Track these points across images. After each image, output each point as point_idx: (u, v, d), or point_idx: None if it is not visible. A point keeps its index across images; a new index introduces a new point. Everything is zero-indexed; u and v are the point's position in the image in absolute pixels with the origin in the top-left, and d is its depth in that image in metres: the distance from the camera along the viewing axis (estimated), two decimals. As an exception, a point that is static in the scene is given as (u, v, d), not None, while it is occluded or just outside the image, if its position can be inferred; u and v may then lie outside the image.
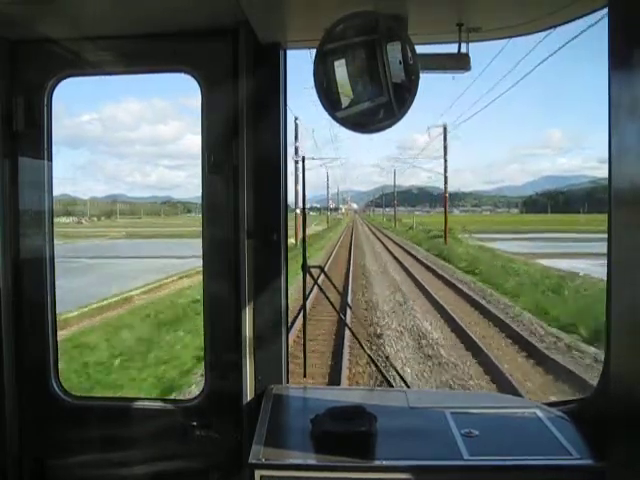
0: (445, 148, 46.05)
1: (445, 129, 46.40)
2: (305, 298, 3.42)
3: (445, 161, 45.67)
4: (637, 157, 1.79)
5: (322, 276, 3.22)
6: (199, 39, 2.91)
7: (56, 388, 3.09)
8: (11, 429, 3.05)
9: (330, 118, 2.54)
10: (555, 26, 2.77)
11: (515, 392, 9.76)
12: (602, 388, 2.51)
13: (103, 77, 3.37)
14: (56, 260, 3.13)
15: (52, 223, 3.10)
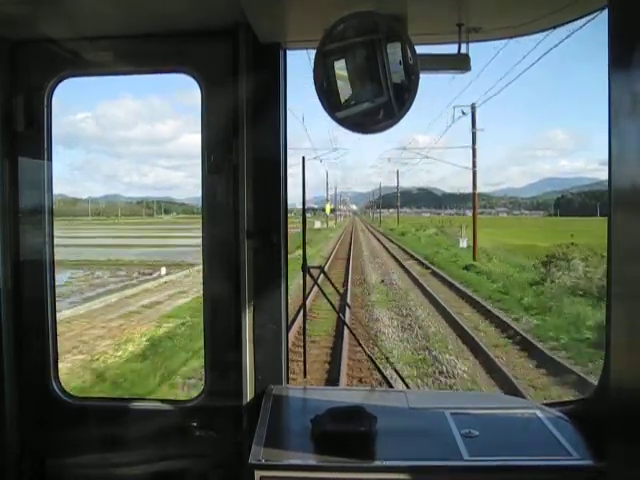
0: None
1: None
2: (305, 298, 3.42)
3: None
4: (637, 157, 1.79)
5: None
6: (199, 39, 2.91)
7: (56, 388, 3.09)
8: (11, 429, 3.05)
9: (330, 119, 2.54)
10: (555, 26, 2.77)
11: (516, 392, 9.75)
12: (602, 388, 2.51)
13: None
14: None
15: (52, 223, 3.10)
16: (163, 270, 27.38)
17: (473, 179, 35.18)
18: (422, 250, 40.01)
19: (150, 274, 27.14)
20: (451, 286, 23.84)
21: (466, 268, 28.31)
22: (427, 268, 30.58)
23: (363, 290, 23.12)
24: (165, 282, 25.31)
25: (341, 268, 29.61)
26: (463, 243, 40.02)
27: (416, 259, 35.32)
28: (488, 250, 35.21)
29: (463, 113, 34.30)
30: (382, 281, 25.40)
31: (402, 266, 31.35)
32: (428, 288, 22.64)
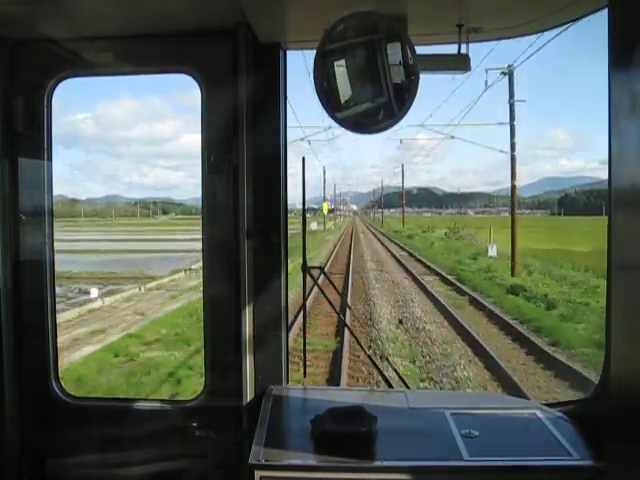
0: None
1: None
2: (305, 298, 3.42)
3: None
4: (637, 157, 1.79)
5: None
6: (199, 39, 2.91)
7: (56, 388, 3.09)
8: (11, 429, 3.05)
9: (330, 118, 2.54)
10: (555, 26, 2.77)
11: (518, 391, 9.73)
12: (602, 388, 2.51)
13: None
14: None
15: (52, 223, 3.10)
16: (94, 292, 21.13)
17: (512, 166, 27.51)
18: (440, 259, 31.67)
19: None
20: (509, 332, 14.95)
21: (512, 291, 20.29)
22: (460, 292, 21.36)
23: (371, 341, 13.80)
24: (91, 310, 19.02)
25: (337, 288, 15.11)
26: (492, 251, 31.44)
27: (437, 273, 26.69)
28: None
29: (503, 74, 27.52)
30: (400, 322, 16.20)
31: (422, 286, 22.22)
32: (478, 337, 13.84)
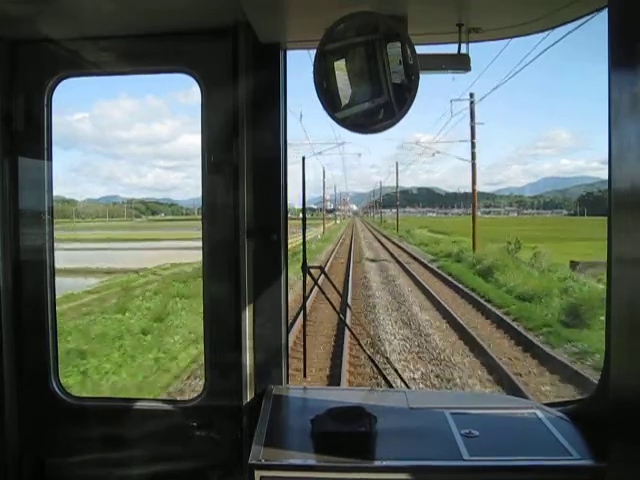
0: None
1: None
2: (305, 298, 3.42)
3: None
4: (637, 157, 1.79)
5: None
6: (199, 39, 2.91)
7: (56, 388, 3.09)
8: (11, 428, 3.05)
9: (330, 119, 2.54)
10: (555, 26, 2.77)
11: (518, 391, 9.73)
12: (602, 388, 2.51)
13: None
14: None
15: (52, 223, 3.10)
16: None
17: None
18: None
19: None
20: None
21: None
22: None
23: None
24: None
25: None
26: None
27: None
28: None
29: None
30: None
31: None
32: None
